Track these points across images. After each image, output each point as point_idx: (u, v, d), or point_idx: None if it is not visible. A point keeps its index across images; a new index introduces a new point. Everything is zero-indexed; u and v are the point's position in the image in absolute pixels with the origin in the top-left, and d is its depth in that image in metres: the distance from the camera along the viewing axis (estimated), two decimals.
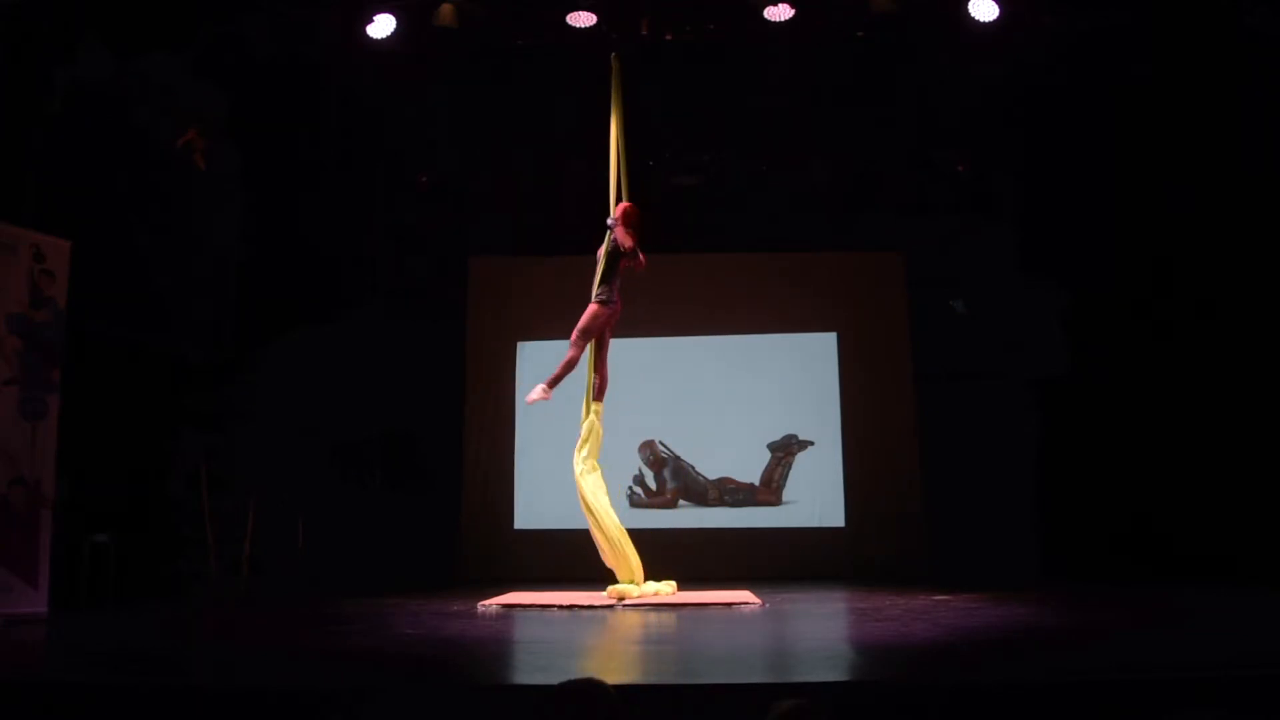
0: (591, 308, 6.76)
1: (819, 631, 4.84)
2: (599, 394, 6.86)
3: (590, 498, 6.62)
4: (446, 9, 8.23)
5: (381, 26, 8.30)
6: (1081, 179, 8.64)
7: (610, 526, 6.60)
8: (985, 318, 9.00)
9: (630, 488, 9.53)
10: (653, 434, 9.66)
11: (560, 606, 6.14)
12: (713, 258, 9.69)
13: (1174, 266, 8.29)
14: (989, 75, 8.66)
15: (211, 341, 8.48)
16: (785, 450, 9.56)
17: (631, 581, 6.54)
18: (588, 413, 6.82)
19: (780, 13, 8.35)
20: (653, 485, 9.60)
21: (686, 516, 9.56)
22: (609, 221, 6.87)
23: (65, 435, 6.37)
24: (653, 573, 6.97)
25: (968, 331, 9.06)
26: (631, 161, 7.13)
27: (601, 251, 6.87)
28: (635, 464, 9.64)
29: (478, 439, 9.66)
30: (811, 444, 9.52)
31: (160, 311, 7.99)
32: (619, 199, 7.02)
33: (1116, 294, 8.54)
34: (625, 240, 6.73)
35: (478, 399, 9.72)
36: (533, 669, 4.02)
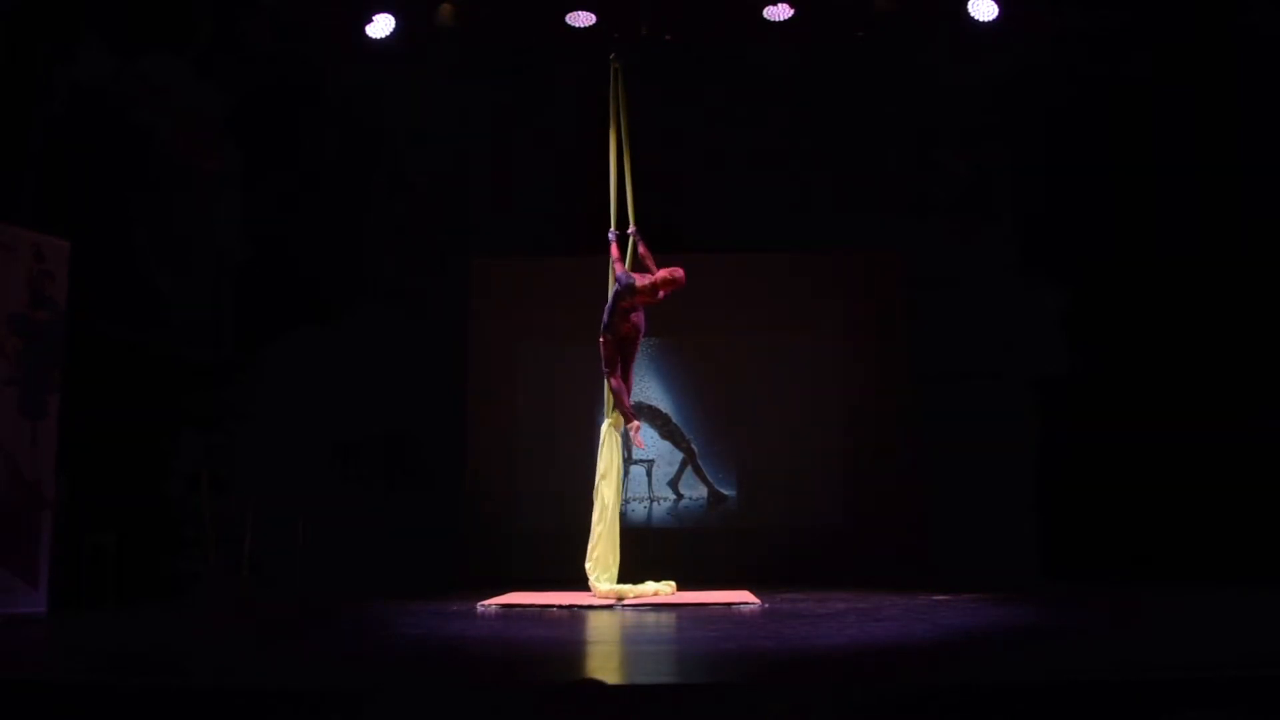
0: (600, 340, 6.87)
1: (819, 631, 4.84)
2: (617, 404, 6.92)
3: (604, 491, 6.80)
4: (446, 9, 8.24)
5: (381, 26, 8.30)
6: (1081, 179, 8.64)
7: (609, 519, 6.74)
8: (985, 318, 8.99)
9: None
10: (651, 437, 9.68)
11: (560, 606, 6.15)
12: (712, 258, 9.68)
13: (1174, 266, 8.28)
14: (989, 75, 8.66)
15: (211, 341, 8.48)
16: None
17: (604, 578, 6.62)
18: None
19: (780, 13, 8.35)
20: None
21: (686, 517, 9.57)
22: (625, 233, 6.98)
23: (65, 435, 6.37)
24: (653, 573, 6.99)
25: (968, 331, 9.05)
26: (635, 167, 7.15)
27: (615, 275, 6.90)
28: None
29: (479, 439, 9.65)
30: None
31: (160, 311, 7.99)
32: (621, 209, 7.05)
33: (1116, 294, 8.54)
34: (643, 284, 6.74)
35: (479, 399, 9.71)
36: (533, 669, 4.01)
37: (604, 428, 6.99)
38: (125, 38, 7.46)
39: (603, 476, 6.88)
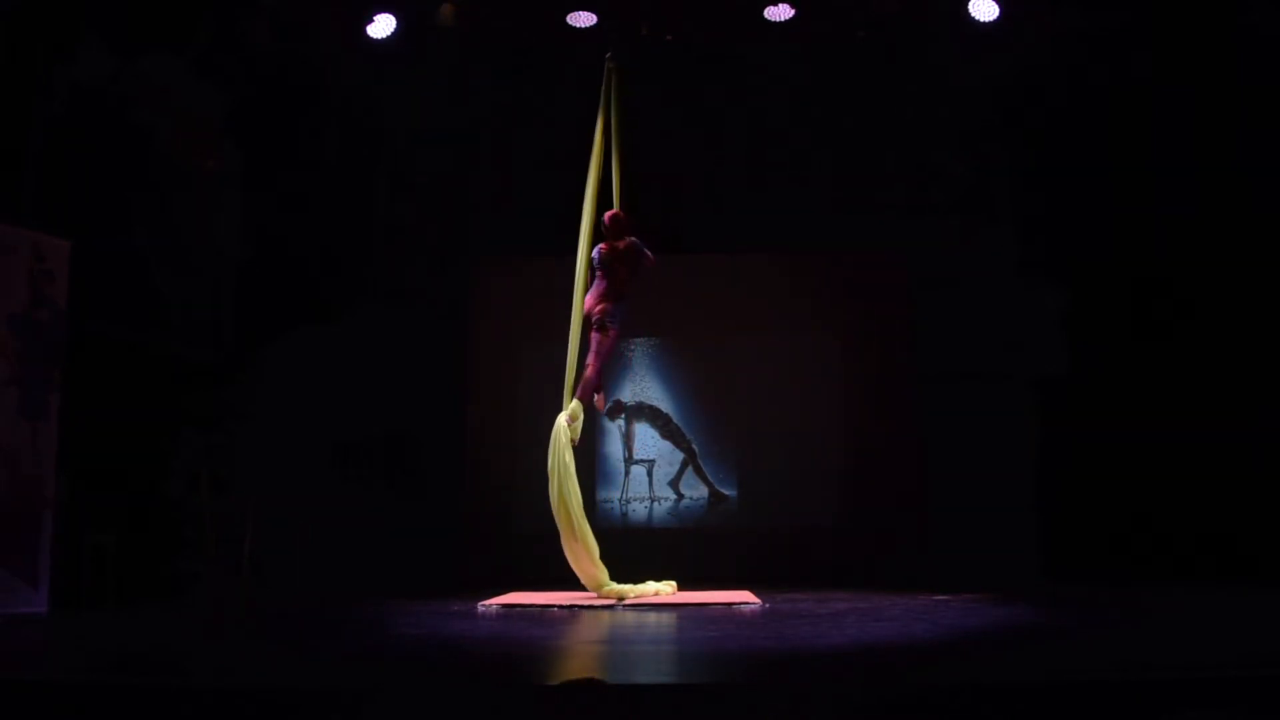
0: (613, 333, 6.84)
1: (819, 632, 4.84)
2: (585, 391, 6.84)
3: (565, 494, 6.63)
4: (446, 9, 8.24)
5: (381, 26, 8.30)
6: (1081, 179, 8.64)
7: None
8: (985, 318, 8.99)
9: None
10: (651, 437, 9.68)
11: (560, 606, 6.15)
12: (713, 258, 9.69)
13: (1174, 266, 8.29)
14: (989, 75, 8.67)
15: (211, 341, 8.48)
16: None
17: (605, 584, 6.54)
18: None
19: (780, 13, 8.36)
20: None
21: (687, 517, 9.57)
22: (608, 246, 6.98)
23: (65, 435, 6.37)
24: (653, 573, 6.98)
25: (968, 332, 9.06)
26: (627, 168, 7.16)
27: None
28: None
29: (479, 439, 9.65)
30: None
31: (160, 311, 7.99)
32: (600, 209, 7.06)
33: (1116, 294, 8.54)
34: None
35: (480, 399, 9.71)
36: (533, 669, 4.02)
37: (559, 423, 6.74)
38: (125, 38, 7.46)
39: (562, 479, 6.62)
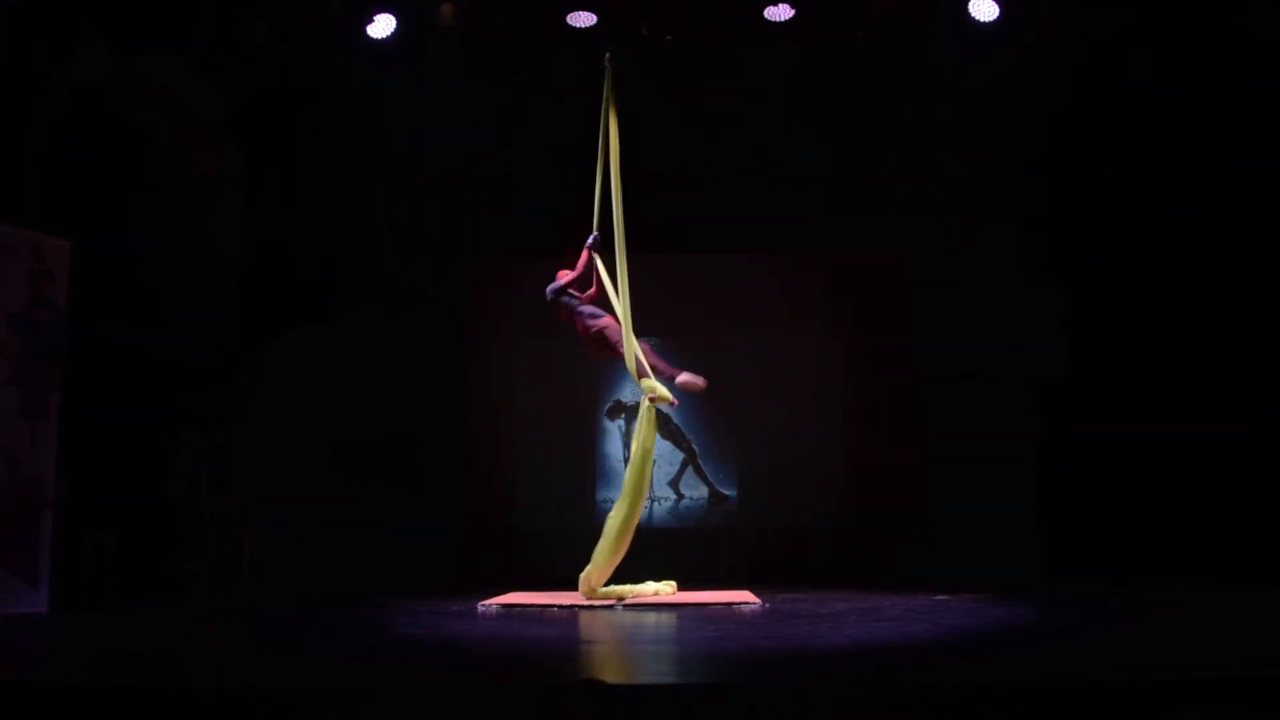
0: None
1: (819, 632, 4.84)
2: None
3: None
4: (446, 9, 8.24)
5: (381, 26, 8.30)
6: (1081, 179, 8.64)
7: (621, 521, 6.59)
8: (985, 318, 8.99)
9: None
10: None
11: (560, 606, 6.15)
12: (713, 258, 9.69)
13: (1174, 266, 8.28)
14: (989, 75, 8.67)
15: (211, 341, 8.48)
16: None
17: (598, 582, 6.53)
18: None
19: (780, 13, 8.36)
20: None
21: (687, 517, 9.57)
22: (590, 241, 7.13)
23: (65, 435, 6.37)
24: (653, 573, 6.98)
25: (968, 332, 9.05)
26: (626, 167, 7.16)
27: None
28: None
29: (480, 439, 9.65)
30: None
31: (160, 311, 7.99)
32: (605, 208, 7.06)
33: (1116, 294, 8.54)
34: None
35: (480, 400, 9.71)
36: (533, 669, 4.01)
37: (643, 406, 6.91)
38: (125, 38, 7.46)
39: (642, 461, 6.70)
